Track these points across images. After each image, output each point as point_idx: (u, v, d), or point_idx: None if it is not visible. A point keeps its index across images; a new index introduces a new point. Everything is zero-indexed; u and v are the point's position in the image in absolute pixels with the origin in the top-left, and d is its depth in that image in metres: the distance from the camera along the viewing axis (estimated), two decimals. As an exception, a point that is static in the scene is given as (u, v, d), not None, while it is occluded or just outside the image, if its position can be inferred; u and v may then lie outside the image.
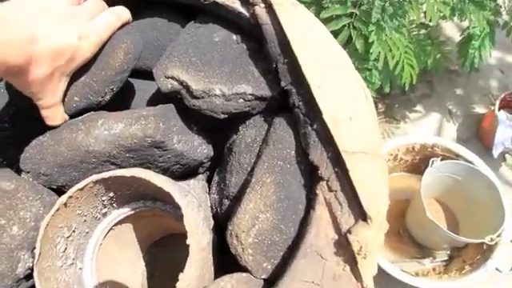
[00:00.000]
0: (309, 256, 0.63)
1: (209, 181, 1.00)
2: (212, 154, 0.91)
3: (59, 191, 0.88)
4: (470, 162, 1.75)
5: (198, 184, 0.96)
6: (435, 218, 1.60)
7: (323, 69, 0.74)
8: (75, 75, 0.83)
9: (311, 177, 0.71)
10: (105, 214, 0.93)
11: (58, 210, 0.77)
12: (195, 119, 0.90)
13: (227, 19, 0.90)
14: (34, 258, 0.79)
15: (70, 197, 0.78)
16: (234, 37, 0.89)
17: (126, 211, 0.95)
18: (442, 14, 1.72)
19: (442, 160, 1.77)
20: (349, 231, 0.61)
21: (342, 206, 0.64)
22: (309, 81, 0.71)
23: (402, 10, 1.59)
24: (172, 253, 1.24)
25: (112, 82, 0.86)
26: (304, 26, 0.80)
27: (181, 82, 0.82)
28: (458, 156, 1.79)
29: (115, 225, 0.97)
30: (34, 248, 0.79)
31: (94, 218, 0.91)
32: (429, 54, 1.90)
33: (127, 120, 0.80)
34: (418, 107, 2.25)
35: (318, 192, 0.66)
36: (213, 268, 0.82)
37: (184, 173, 0.92)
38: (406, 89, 1.93)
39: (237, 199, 0.83)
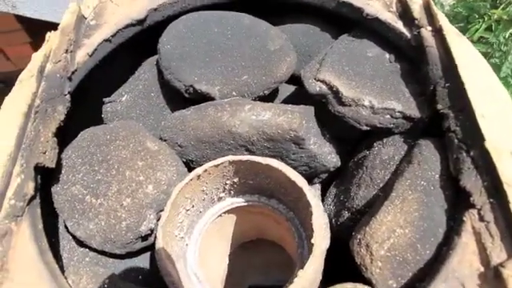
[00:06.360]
0: (450, 281, 0.60)
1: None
2: (339, 164, 0.91)
3: (186, 165, 0.92)
4: None
5: (314, 192, 0.96)
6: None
7: (487, 99, 0.72)
8: (237, 73, 0.90)
9: (455, 203, 0.69)
10: (220, 199, 0.95)
11: (191, 180, 0.80)
12: (328, 127, 0.91)
13: (382, 37, 0.91)
14: (157, 219, 0.82)
15: (205, 170, 0.81)
16: (387, 55, 0.89)
17: (239, 201, 0.96)
18: None
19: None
20: (501, 265, 0.58)
21: (494, 239, 0.61)
22: (474, 108, 0.69)
23: (535, 70, 1.53)
24: (250, 259, 1.25)
25: (268, 88, 0.92)
26: (469, 55, 0.79)
27: (331, 87, 0.84)
28: None
29: (224, 213, 0.98)
30: (160, 210, 0.82)
31: (211, 200, 0.93)
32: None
33: (275, 110, 0.82)
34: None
35: (465, 219, 0.64)
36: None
37: (306, 177, 0.92)
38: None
39: (360, 212, 0.81)
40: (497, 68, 1.54)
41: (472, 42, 1.57)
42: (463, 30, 1.61)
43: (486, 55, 1.56)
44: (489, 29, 1.54)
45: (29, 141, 0.75)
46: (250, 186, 0.92)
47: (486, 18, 1.52)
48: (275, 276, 1.25)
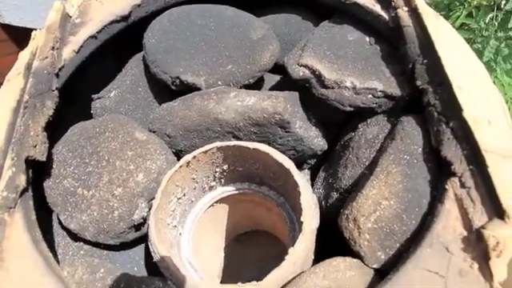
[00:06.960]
0: (434, 246, 0.61)
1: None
2: (326, 147, 0.92)
3: (176, 155, 0.93)
4: None
5: (303, 177, 0.98)
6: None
7: (464, 73, 0.74)
8: (222, 63, 0.92)
9: (438, 175, 0.71)
10: (211, 188, 0.96)
11: (180, 167, 0.82)
12: (313, 111, 0.93)
13: (361, 21, 0.93)
14: (149, 208, 0.84)
15: (194, 157, 0.82)
16: (367, 38, 0.91)
17: (229, 190, 0.98)
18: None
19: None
20: (482, 227, 0.60)
21: (475, 203, 0.63)
22: (451, 81, 0.71)
23: (517, 53, 1.56)
24: (245, 252, 1.25)
25: (253, 76, 0.94)
26: (446, 34, 0.81)
27: (313, 71, 0.86)
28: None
29: (216, 202, 1.00)
30: (152, 199, 0.83)
31: (202, 189, 0.94)
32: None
33: (260, 96, 0.84)
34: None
35: (447, 187, 0.65)
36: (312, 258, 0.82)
37: (294, 162, 0.94)
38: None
39: (348, 192, 0.83)
40: (480, 53, 1.56)
41: (455, 29, 1.60)
42: (446, 18, 1.63)
43: (468, 41, 1.58)
44: (470, 15, 1.57)
45: (19, 135, 0.76)
46: (239, 173, 0.93)
47: (466, 5, 1.55)
48: (271, 269, 1.25)
